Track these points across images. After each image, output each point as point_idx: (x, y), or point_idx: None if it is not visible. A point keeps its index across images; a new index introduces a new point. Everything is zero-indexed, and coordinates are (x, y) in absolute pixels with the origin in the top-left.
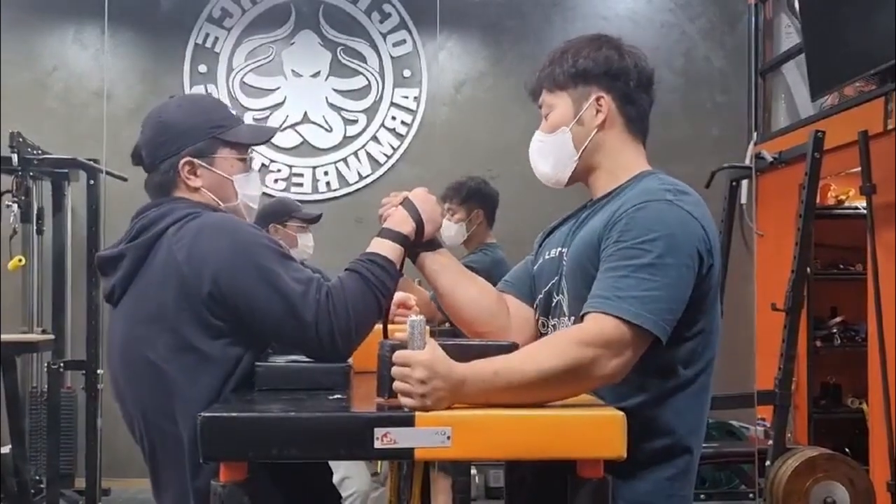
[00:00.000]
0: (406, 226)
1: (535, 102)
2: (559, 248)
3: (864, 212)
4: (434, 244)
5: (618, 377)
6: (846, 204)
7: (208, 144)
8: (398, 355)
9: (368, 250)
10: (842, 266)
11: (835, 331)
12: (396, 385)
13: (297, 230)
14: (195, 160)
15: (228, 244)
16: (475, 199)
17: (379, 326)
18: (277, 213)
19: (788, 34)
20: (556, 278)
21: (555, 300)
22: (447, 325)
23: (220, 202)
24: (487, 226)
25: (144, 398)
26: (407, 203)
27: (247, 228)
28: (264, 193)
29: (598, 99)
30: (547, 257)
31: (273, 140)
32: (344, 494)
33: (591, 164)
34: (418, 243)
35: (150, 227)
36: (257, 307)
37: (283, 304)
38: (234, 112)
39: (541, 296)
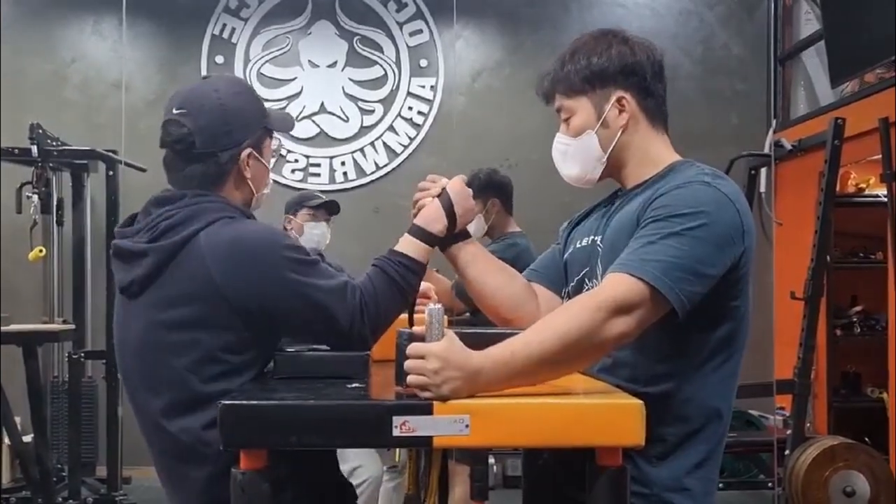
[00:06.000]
0: (438, 224)
1: (548, 105)
2: (591, 237)
3: (885, 200)
4: (463, 234)
5: (628, 337)
6: (866, 192)
7: (261, 135)
8: (412, 348)
9: (399, 249)
10: (862, 254)
11: (855, 319)
12: (410, 378)
13: (306, 219)
14: (253, 151)
15: (265, 264)
16: (489, 188)
17: (403, 317)
18: (290, 205)
19: (808, 21)
20: (590, 266)
21: (587, 286)
22: (467, 314)
23: (256, 191)
24: (506, 213)
25: (163, 401)
26: (444, 197)
27: (279, 242)
28: (283, 185)
29: (619, 99)
30: (578, 246)
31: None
32: (356, 482)
33: (620, 161)
34: (448, 235)
35: (176, 229)
36: (298, 323)
37: (322, 316)
38: None
39: (572, 283)
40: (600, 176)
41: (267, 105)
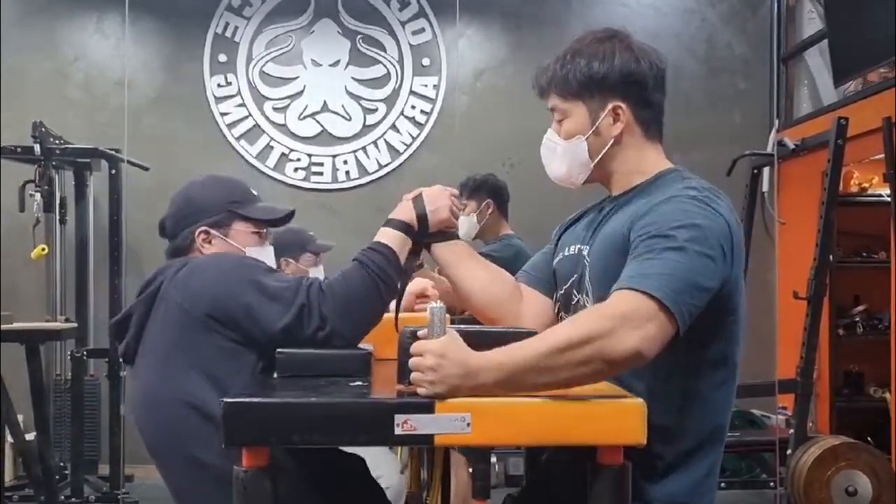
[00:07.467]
0: (406, 214)
1: (542, 99)
2: (578, 245)
3: (888, 199)
4: (449, 236)
5: (643, 355)
6: (869, 191)
7: (225, 217)
8: (414, 345)
9: (375, 239)
10: (865, 254)
11: (857, 319)
12: (413, 376)
13: (309, 263)
14: (211, 230)
15: (216, 271)
16: (483, 189)
17: (405, 315)
18: (289, 247)
19: (811, 20)
20: (577, 277)
21: (575, 298)
22: (467, 313)
23: None
24: (501, 216)
25: (181, 442)
26: (417, 197)
27: (231, 256)
28: (286, 184)
29: (615, 108)
30: (566, 253)
31: (292, 129)
32: None
33: (608, 169)
34: (425, 234)
35: (150, 283)
36: (255, 314)
37: (276, 305)
38: (254, 192)
39: (561, 292)
40: (587, 180)
41: (269, 104)
